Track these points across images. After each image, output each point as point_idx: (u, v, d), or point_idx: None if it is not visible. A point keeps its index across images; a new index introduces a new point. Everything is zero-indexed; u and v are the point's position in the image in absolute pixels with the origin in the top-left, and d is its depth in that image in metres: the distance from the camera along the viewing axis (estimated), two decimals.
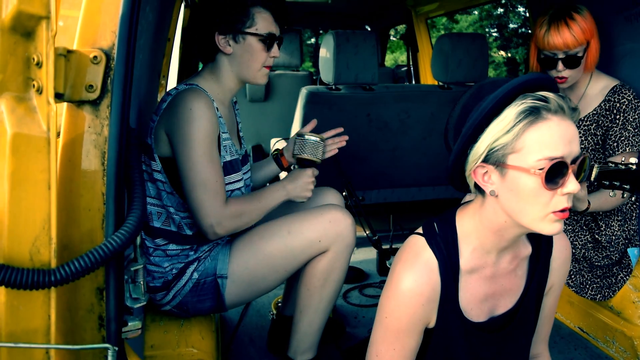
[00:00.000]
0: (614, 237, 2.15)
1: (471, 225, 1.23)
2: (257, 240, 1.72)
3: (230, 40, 1.70)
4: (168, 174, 1.66)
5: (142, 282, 1.03)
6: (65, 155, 0.98)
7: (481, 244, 1.23)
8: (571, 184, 1.06)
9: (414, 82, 4.85)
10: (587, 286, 2.20)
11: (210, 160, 1.58)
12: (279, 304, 2.43)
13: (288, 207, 1.93)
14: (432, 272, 1.21)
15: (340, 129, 2.07)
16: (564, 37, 2.01)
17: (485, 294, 1.29)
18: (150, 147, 1.65)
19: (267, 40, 1.71)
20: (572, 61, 2.05)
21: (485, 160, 1.11)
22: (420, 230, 1.29)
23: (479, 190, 1.19)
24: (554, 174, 1.06)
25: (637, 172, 1.68)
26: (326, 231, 1.71)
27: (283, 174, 2.30)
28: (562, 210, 1.08)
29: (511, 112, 1.07)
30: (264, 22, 1.71)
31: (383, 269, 2.95)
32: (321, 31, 16.16)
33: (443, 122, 2.96)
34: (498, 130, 1.08)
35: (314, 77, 4.51)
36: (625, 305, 2.13)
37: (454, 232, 1.25)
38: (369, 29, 5.44)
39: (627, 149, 2.03)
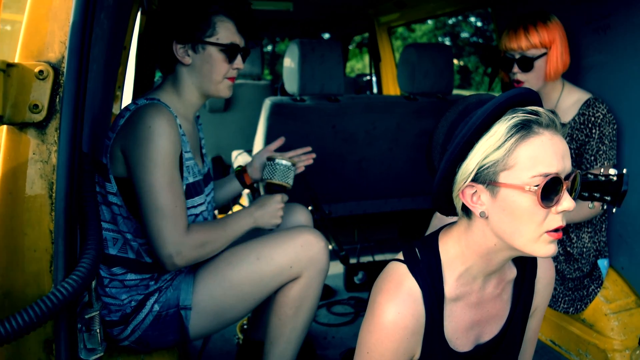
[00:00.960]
0: (584, 249, 2.13)
1: (456, 251, 1.16)
2: (224, 268, 1.60)
3: (189, 50, 1.58)
4: (124, 196, 1.51)
5: (98, 331, 0.89)
6: (5, 186, 0.83)
7: (467, 269, 1.16)
8: (566, 201, 1.01)
9: (375, 90, 4.82)
10: (560, 299, 2.18)
11: (171, 183, 1.45)
12: (245, 327, 2.30)
13: (254, 232, 1.82)
14: (415, 302, 1.13)
15: (308, 148, 1.97)
16: (518, 38, 2.03)
17: (471, 321, 1.22)
18: (105, 167, 1.50)
19: (229, 51, 1.60)
20: (525, 63, 2.05)
21: (475, 179, 1.04)
22: (400, 256, 1.20)
23: (466, 212, 1.11)
24: (549, 191, 1.00)
25: (617, 183, 1.66)
26: (298, 256, 1.61)
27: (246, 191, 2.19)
28: (556, 230, 1.03)
29: (502, 127, 1.01)
30: (226, 32, 1.59)
31: (351, 285, 2.86)
32: (278, 39, 16.08)
33: (409, 133, 2.95)
34: (488, 146, 1.01)
35: (275, 86, 4.41)
36: (597, 318, 2.11)
37: (437, 258, 1.17)
38: (329, 37, 5.39)
39: (605, 162, 2.02)
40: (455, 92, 2.99)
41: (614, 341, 2.05)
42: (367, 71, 14.59)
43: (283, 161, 1.81)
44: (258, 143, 2.86)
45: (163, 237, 1.44)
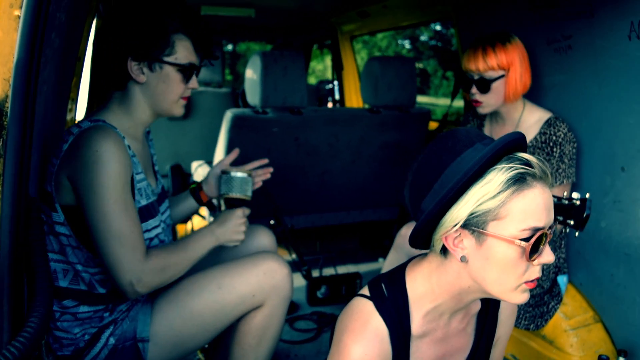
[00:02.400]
0: (544, 266, 2.15)
1: (425, 288, 1.14)
2: (183, 297, 1.53)
3: (145, 68, 1.49)
4: (72, 225, 1.43)
5: None
6: None
7: (436, 307, 1.15)
8: (547, 254, 1.02)
9: (337, 96, 4.79)
10: (521, 316, 2.20)
11: (124, 209, 1.38)
12: (206, 346, 2.24)
13: (217, 251, 1.76)
14: (382, 341, 1.10)
15: (265, 160, 1.93)
16: (476, 59, 2.03)
17: (435, 356, 1.21)
18: (50, 195, 1.41)
19: (187, 71, 1.53)
20: (483, 85, 2.06)
21: (462, 224, 1.02)
22: (366, 291, 1.17)
23: (443, 251, 1.09)
24: (535, 244, 1.00)
25: (580, 207, 1.68)
26: (261, 284, 1.56)
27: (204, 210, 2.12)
28: (533, 280, 1.03)
29: (499, 177, 0.99)
30: (184, 51, 1.51)
31: (313, 300, 2.83)
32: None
33: (372, 145, 2.94)
34: (483, 195, 0.99)
35: (237, 92, 4.32)
36: (557, 334, 2.14)
37: (404, 295, 1.15)
38: (289, 41, 5.34)
39: (564, 180, 2.05)
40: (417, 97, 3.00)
41: (573, 357, 2.08)
42: (328, 73, 14.55)
43: (238, 173, 1.76)
44: (219, 155, 2.79)
45: (121, 265, 1.37)
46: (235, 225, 1.64)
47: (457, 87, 2.94)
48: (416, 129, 3.00)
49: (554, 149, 2.06)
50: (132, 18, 1.47)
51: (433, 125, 3.31)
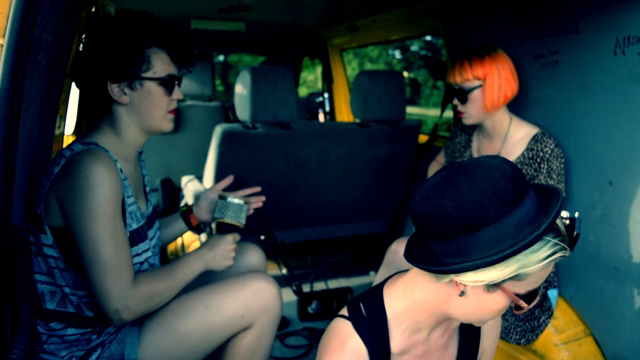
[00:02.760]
0: None
1: (405, 305, 1.14)
2: (171, 319, 1.51)
3: (126, 88, 1.47)
4: (61, 248, 1.41)
5: None
6: None
7: (415, 323, 1.15)
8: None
9: (328, 108, 4.81)
10: (512, 330, 2.19)
11: (114, 235, 1.36)
12: None
13: (205, 271, 1.74)
14: None
15: (258, 188, 1.91)
16: (454, 71, 2.11)
17: None
18: (39, 217, 1.40)
19: (168, 83, 1.51)
20: (461, 95, 2.12)
21: None
22: (345, 312, 1.17)
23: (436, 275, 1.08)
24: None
25: (570, 227, 1.67)
26: (250, 305, 1.54)
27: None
28: None
29: (544, 252, 0.99)
30: (161, 64, 1.50)
31: (304, 315, 2.81)
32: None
33: (362, 159, 2.94)
34: (523, 264, 0.98)
35: (227, 105, 4.32)
36: (548, 349, 2.14)
37: (383, 314, 1.15)
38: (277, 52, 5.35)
39: None
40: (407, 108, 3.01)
41: None
42: (319, 83, 14.58)
43: (235, 199, 1.75)
44: (209, 171, 2.78)
45: (108, 292, 1.35)
46: (225, 251, 1.63)
47: (445, 99, 2.97)
48: (406, 143, 3.00)
49: (542, 165, 2.07)
50: (104, 42, 1.44)
51: (423, 138, 3.32)
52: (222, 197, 1.76)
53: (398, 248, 2.15)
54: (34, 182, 1.41)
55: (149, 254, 1.57)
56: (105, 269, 1.34)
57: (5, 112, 0.73)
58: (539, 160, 2.08)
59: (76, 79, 1.50)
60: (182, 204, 3.46)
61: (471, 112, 2.14)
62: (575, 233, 1.70)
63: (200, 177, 3.31)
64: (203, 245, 1.66)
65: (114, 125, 1.52)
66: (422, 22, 2.97)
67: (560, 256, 0.99)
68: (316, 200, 3.02)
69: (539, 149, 2.08)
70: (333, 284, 3.30)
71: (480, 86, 2.07)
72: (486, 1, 2.35)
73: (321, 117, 5.02)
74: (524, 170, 2.12)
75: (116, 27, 1.45)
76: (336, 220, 3.22)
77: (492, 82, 2.07)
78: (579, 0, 1.94)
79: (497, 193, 0.97)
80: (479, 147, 2.30)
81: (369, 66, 16.73)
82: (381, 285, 1.20)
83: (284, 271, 2.57)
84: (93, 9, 2.23)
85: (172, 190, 3.95)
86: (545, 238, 0.99)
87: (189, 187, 3.07)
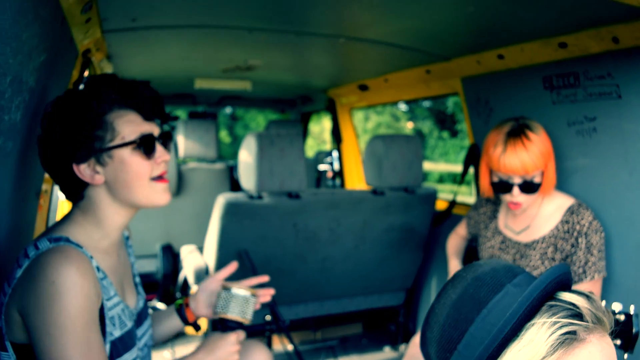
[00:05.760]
0: None
1: None
2: None
3: (96, 165, 1.24)
4: None
5: None
6: None
7: None
8: None
9: (337, 166, 4.62)
10: None
11: (87, 351, 1.12)
12: None
13: None
14: None
15: (266, 278, 1.67)
16: (522, 161, 1.80)
17: None
18: (0, 331, 1.16)
19: (143, 145, 1.27)
20: (529, 187, 1.85)
21: None
22: None
23: None
24: None
25: (626, 324, 1.42)
26: None
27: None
28: None
29: (540, 337, 0.76)
30: (129, 125, 1.25)
31: None
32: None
33: (376, 229, 2.71)
34: None
35: (229, 166, 4.14)
36: None
37: None
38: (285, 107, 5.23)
39: (595, 275, 1.81)
40: None
41: None
42: (325, 134, 14.50)
43: (241, 291, 1.52)
44: (210, 244, 2.56)
45: None
46: (227, 353, 1.40)
47: (466, 167, 2.76)
48: (422, 211, 2.78)
49: (579, 240, 1.84)
50: (54, 121, 1.22)
51: (442, 205, 3.10)
52: (225, 288, 1.53)
53: None
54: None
55: None
56: None
57: None
58: (575, 234, 1.85)
59: (45, 168, 1.28)
60: (181, 277, 3.22)
61: (530, 202, 1.90)
62: (634, 331, 1.44)
63: (201, 248, 3.08)
64: (201, 347, 1.41)
65: (89, 212, 1.28)
66: (438, 82, 2.81)
67: (566, 335, 0.76)
68: (326, 273, 2.77)
69: (575, 221, 1.85)
70: None
71: (542, 173, 1.86)
72: (511, 62, 2.17)
73: (329, 175, 4.83)
74: (559, 245, 1.88)
75: (69, 101, 1.24)
76: (348, 293, 2.97)
77: (552, 165, 1.87)
78: (619, 63, 1.75)
79: (480, 291, 0.86)
80: (506, 222, 2.06)
81: (373, 117, 16.73)
82: None
83: (290, 347, 2.30)
84: (86, 73, 2.07)
85: (172, 257, 3.72)
86: (540, 321, 0.78)
87: (189, 261, 2.83)
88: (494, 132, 1.89)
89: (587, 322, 0.77)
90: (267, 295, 1.62)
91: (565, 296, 0.80)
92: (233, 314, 1.50)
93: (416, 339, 1.98)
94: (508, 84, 2.29)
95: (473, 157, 2.67)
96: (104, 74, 1.30)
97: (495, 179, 1.90)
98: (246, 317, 1.51)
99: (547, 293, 0.80)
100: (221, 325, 1.52)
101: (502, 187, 1.88)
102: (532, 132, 1.82)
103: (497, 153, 1.83)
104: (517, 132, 1.83)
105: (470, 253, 2.41)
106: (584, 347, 0.76)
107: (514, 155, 1.80)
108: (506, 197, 1.89)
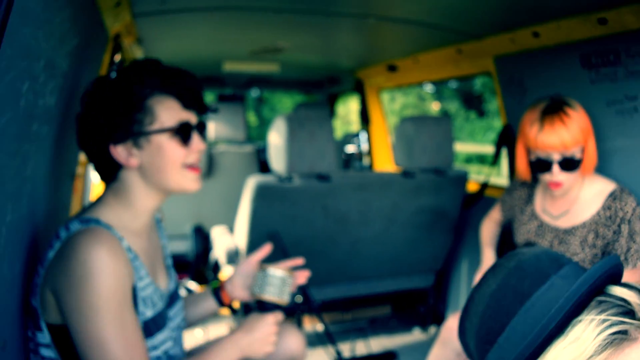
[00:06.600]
0: None
1: None
2: None
3: (132, 148, 1.25)
4: (60, 348, 1.19)
5: None
6: None
7: None
8: None
9: (365, 147, 4.59)
10: None
11: (120, 331, 1.13)
12: None
13: None
14: None
15: (299, 261, 1.67)
16: (560, 136, 1.74)
17: None
18: (35, 311, 1.18)
19: (181, 133, 1.28)
20: (569, 164, 1.78)
21: None
22: None
23: None
24: None
25: None
26: None
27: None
28: None
29: (588, 335, 0.71)
30: (169, 112, 1.26)
31: None
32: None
33: (406, 211, 2.69)
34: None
35: (258, 149, 4.16)
36: None
37: None
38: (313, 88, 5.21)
39: (638, 262, 1.75)
40: None
41: None
42: (352, 115, 14.40)
43: (277, 272, 1.52)
44: (241, 226, 2.58)
45: None
46: (265, 334, 1.40)
47: (499, 148, 2.71)
48: (453, 193, 2.75)
49: (622, 227, 1.79)
50: (96, 101, 1.24)
51: (473, 186, 3.06)
52: (262, 270, 1.54)
53: (456, 323, 1.88)
54: (32, 271, 1.22)
55: (168, 344, 1.34)
56: None
57: None
58: (618, 220, 1.79)
59: (82, 148, 1.30)
60: (212, 257, 3.27)
61: (571, 181, 1.83)
62: None
63: (231, 228, 3.11)
64: (239, 328, 1.43)
65: (122, 194, 1.29)
66: (469, 62, 2.75)
67: (616, 334, 0.71)
68: (356, 254, 2.78)
69: (618, 207, 1.80)
70: (374, 343, 3.04)
71: (584, 149, 1.80)
72: (547, 40, 2.11)
73: (354, 151, 4.75)
74: (599, 232, 1.83)
75: (111, 83, 1.25)
76: (377, 275, 2.97)
77: (593, 142, 1.81)
78: None
79: (524, 282, 0.83)
80: (543, 207, 2.01)
81: (399, 97, 16.54)
82: None
83: (320, 328, 2.31)
84: (117, 58, 2.09)
85: (204, 238, 3.77)
86: (588, 317, 0.73)
87: (220, 242, 2.86)
88: (530, 111, 1.84)
89: (639, 319, 0.72)
90: (302, 276, 1.62)
91: (616, 291, 0.75)
92: (270, 295, 1.50)
93: (449, 323, 1.97)
94: (543, 63, 2.23)
95: (506, 138, 2.62)
96: (147, 58, 1.31)
97: (533, 158, 1.84)
98: (283, 298, 1.51)
99: (596, 287, 0.76)
100: (259, 307, 1.53)
101: (541, 165, 1.82)
102: (570, 108, 1.77)
103: (534, 130, 1.78)
104: (555, 109, 1.77)
105: (505, 237, 2.37)
106: (635, 347, 0.70)
107: (551, 130, 1.75)
108: (545, 177, 1.84)
